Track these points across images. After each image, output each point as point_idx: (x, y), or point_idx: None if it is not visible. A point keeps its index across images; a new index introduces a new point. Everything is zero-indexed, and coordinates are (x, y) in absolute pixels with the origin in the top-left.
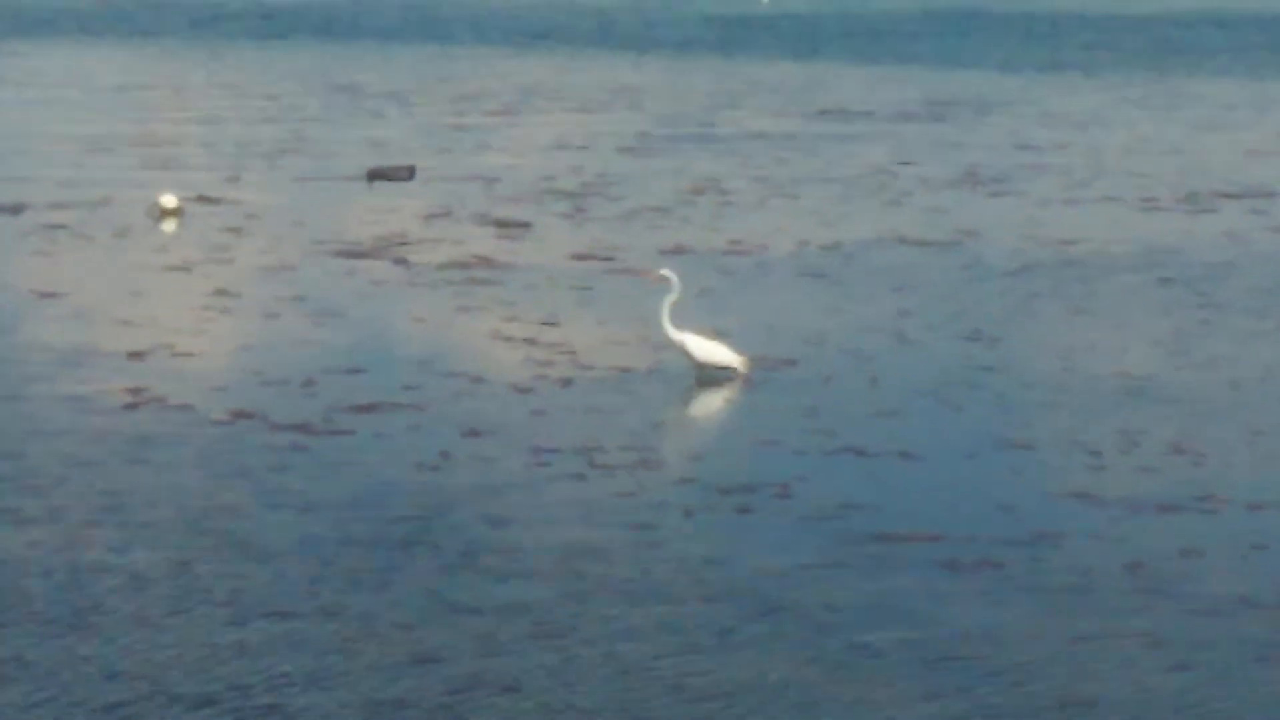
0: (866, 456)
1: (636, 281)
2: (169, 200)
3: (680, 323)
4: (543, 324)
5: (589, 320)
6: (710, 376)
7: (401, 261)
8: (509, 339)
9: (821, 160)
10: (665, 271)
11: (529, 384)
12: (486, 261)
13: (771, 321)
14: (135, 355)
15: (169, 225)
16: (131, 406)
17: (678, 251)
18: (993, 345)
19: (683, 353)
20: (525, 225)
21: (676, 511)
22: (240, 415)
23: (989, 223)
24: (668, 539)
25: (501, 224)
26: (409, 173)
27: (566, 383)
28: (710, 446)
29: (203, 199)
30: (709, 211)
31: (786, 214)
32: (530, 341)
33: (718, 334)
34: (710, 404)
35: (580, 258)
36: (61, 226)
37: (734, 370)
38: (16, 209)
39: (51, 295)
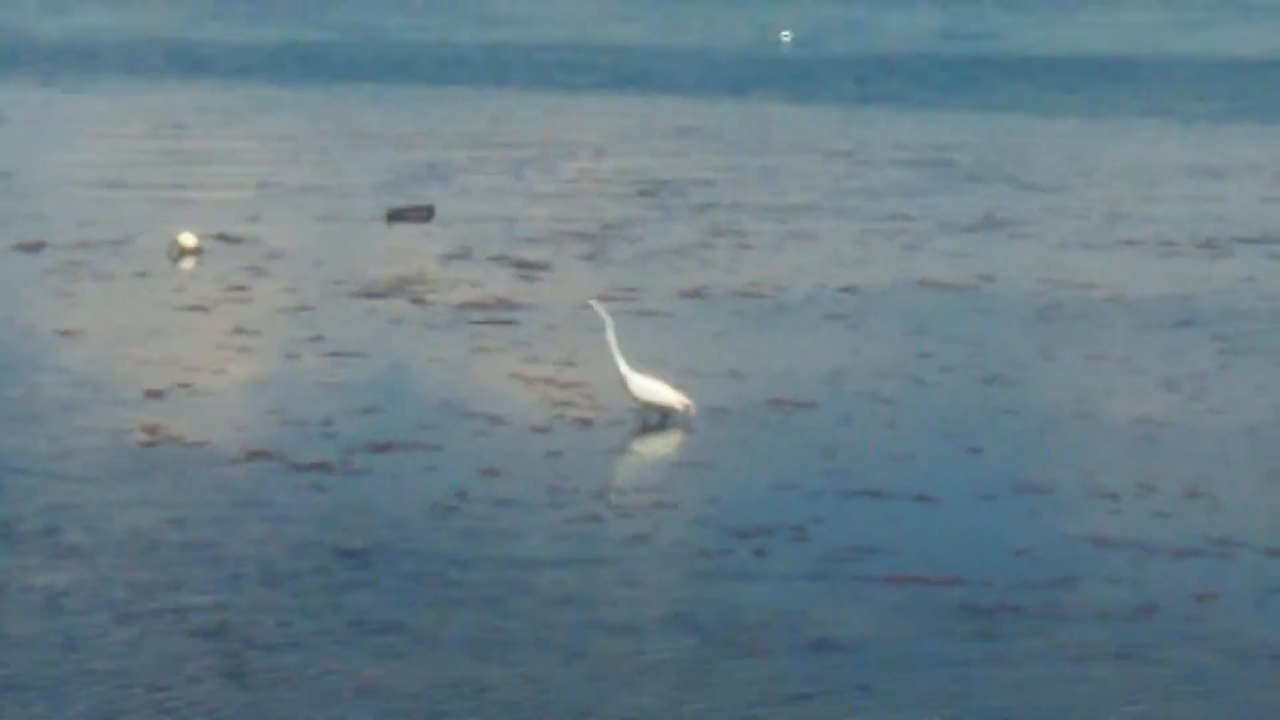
0: (884, 499)
1: (654, 322)
2: (188, 239)
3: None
4: (560, 365)
5: (607, 361)
6: (652, 417)
7: (420, 302)
8: (527, 379)
9: (840, 203)
10: (592, 302)
11: (546, 424)
12: (505, 302)
13: (789, 363)
14: (153, 393)
15: (188, 264)
16: (149, 444)
17: (696, 293)
18: (1010, 388)
19: (624, 389)
20: (544, 266)
21: (693, 553)
22: (257, 454)
23: (1007, 266)
24: (684, 581)
25: (520, 265)
26: (428, 213)
27: (584, 424)
28: (727, 488)
29: (222, 238)
30: (727, 253)
31: (805, 256)
32: (548, 382)
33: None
34: (726, 446)
35: (599, 299)
36: (81, 264)
37: (675, 411)
38: (37, 247)
39: (71, 333)
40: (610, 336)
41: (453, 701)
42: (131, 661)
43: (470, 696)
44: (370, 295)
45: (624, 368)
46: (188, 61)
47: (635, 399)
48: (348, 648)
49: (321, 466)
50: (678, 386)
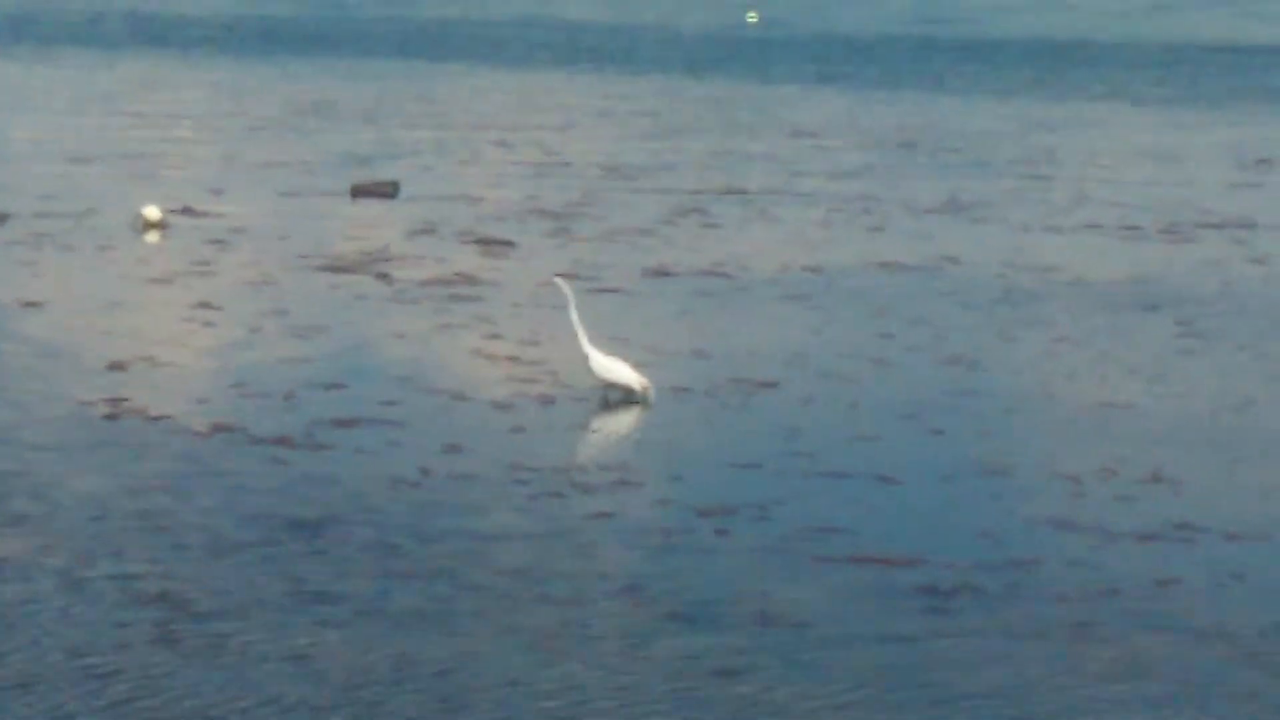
0: (846, 479)
1: (618, 300)
2: (153, 212)
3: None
4: (524, 342)
5: (570, 339)
6: (612, 396)
7: (384, 277)
8: (490, 356)
9: (805, 183)
10: (556, 279)
11: (509, 401)
12: (469, 279)
13: (752, 342)
14: (116, 366)
15: (152, 237)
16: (111, 417)
17: (660, 272)
18: (973, 370)
19: (585, 368)
20: (508, 244)
21: (655, 532)
22: (220, 427)
23: (970, 249)
24: (641, 558)
25: (484, 242)
26: (393, 189)
27: (547, 401)
28: (689, 467)
29: (187, 211)
30: (692, 233)
31: (769, 237)
32: (511, 359)
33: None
34: (690, 425)
35: (563, 277)
36: (45, 236)
37: (634, 392)
38: (1, 218)
39: (34, 305)
40: (573, 314)
41: (383, 671)
42: (62, 628)
43: (402, 666)
44: (334, 270)
45: (586, 345)
46: (150, 34)
47: (595, 377)
48: (285, 617)
49: (283, 440)
50: (640, 365)
